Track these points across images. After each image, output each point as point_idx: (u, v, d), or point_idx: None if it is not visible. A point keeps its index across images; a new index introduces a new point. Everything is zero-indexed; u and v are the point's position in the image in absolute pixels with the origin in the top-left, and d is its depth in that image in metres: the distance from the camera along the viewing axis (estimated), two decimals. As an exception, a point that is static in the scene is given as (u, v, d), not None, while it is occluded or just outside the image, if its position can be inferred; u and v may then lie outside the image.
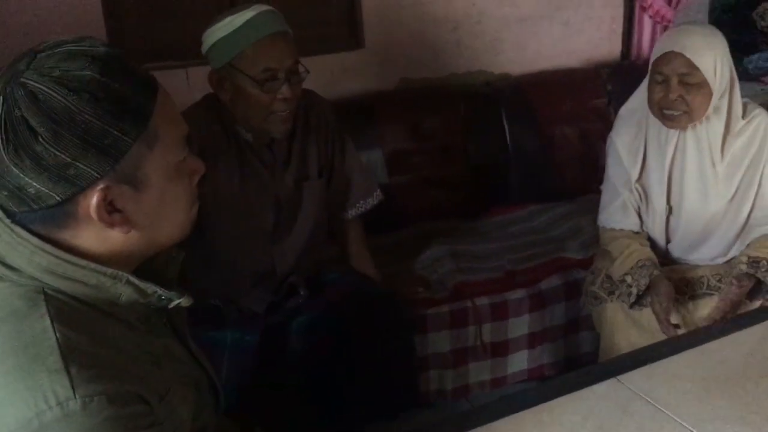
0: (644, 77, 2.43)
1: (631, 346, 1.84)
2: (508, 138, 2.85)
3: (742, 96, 1.89)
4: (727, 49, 1.80)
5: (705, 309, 1.88)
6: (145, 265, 0.94)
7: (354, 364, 1.85)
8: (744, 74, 3.73)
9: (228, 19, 1.70)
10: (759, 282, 1.83)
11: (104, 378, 0.78)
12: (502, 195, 2.85)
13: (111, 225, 0.84)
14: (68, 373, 0.76)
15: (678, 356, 1.49)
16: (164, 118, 0.85)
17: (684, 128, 1.83)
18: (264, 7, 1.73)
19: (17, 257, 0.83)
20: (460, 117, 2.79)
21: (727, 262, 1.95)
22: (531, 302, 2.25)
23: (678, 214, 1.92)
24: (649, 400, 1.34)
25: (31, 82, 0.78)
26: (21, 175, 0.78)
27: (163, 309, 0.95)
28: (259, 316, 1.86)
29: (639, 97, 1.97)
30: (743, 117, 1.86)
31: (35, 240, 0.83)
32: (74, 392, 0.75)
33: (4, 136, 0.77)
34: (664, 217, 1.93)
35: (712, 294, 1.90)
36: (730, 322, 1.65)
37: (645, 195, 1.95)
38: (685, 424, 1.27)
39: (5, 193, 0.81)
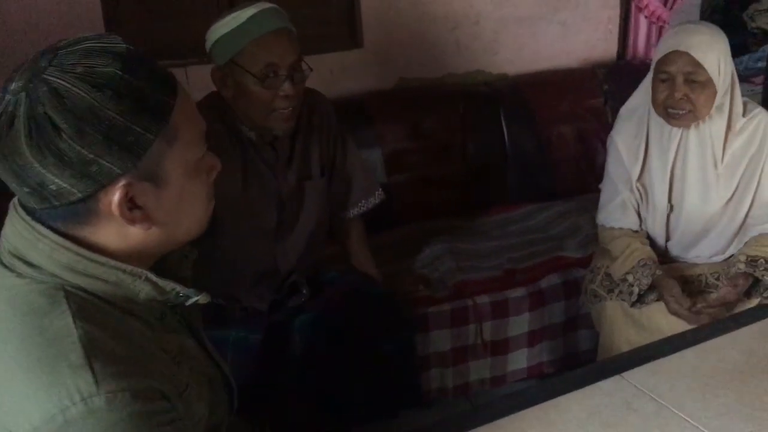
0: (640, 77, 2.45)
1: (630, 344, 1.86)
2: (506, 137, 2.86)
3: None
4: (728, 48, 1.82)
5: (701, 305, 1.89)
6: (160, 264, 0.95)
7: (355, 362, 1.86)
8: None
9: (231, 16, 1.71)
10: (756, 280, 1.84)
11: (127, 374, 0.79)
12: (500, 194, 2.86)
13: (132, 222, 0.84)
14: (91, 368, 0.77)
15: (680, 353, 1.50)
16: (184, 115, 0.86)
17: (688, 126, 1.85)
18: (267, 5, 1.73)
19: (37, 254, 0.83)
20: (459, 117, 2.80)
21: (726, 260, 1.97)
22: (531, 300, 2.26)
23: (678, 211, 1.93)
24: (653, 396, 1.36)
25: (54, 79, 0.78)
26: (43, 171, 0.78)
27: (178, 306, 0.95)
28: (261, 315, 1.87)
29: (639, 96, 1.99)
30: (744, 115, 1.88)
31: (56, 237, 0.83)
32: (98, 388, 0.76)
33: (27, 133, 0.77)
34: (665, 215, 1.95)
35: (711, 291, 1.92)
36: (729, 320, 1.67)
37: (645, 193, 1.96)
38: (690, 420, 1.29)
39: (26, 189, 0.81)
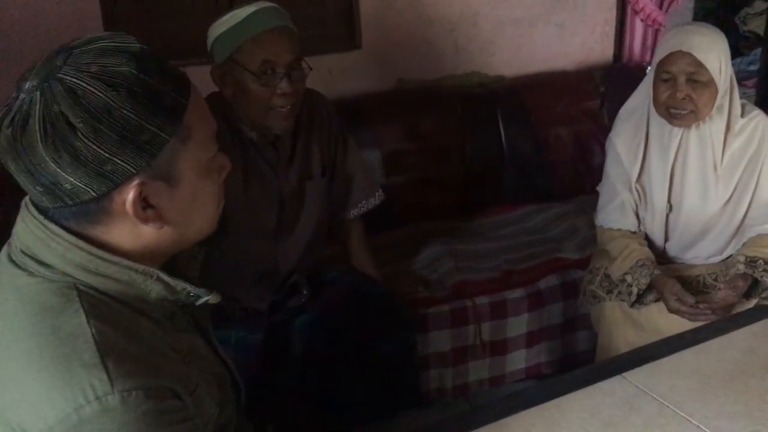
0: (636, 79, 2.46)
1: (629, 344, 1.87)
2: (503, 139, 2.87)
3: None
4: (728, 49, 1.84)
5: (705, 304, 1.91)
6: (169, 264, 0.95)
7: (355, 363, 1.86)
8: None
9: (231, 14, 1.72)
10: (755, 281, 1.86)
11: (140, 373, 0.79)
12: (497, 195, 2.87)
13: (145, 221, 0.85)
14: (105, 367, 0.77)
15: (680, 354, 1.52)
16: (197, 114, 0.86)
17: (689, 126, 1.87)
18: (267, 4, 1.74)
19: (50, 253, 0.83)
20: (457, 118, 2.81)
21: (723, 261, 1.99)
22: (529, 301, 2.27)
23: (677, 212, 1.95)
24: (654, 396, 1.37)
25: (69, 78, 0.78)
26: (58, 170, 0.78)
27: (187, 306, 0.95)
28: (262, 315, 1.87)
29: (638, 97, 2.01)
30: (742, 116, 1.90)
31: (69, 236, 0.83)
32: (112, 387, 0.76)
33: (42, 132, 0.77)
34: (664, 215, 1.96)
35: (708, 292, 1.93)
36: (728, 320, 1.68)
37: (644, 194, 1.98)
38: (691, 420, 1.30)
39: (39, 188, 0.81)
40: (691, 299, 1.85)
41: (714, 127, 1.87)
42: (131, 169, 0.80)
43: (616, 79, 3.10)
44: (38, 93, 0.78)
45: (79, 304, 0.81)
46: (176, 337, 0.92)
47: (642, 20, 3.26)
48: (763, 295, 1.86)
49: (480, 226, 2.72)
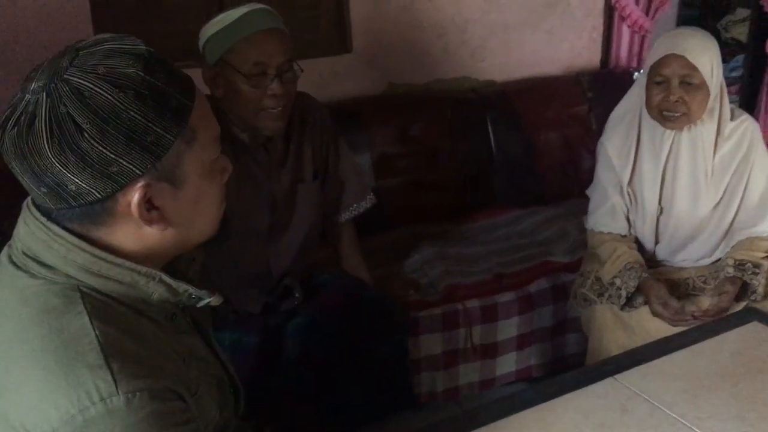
0: (623, 85, 2.49)
1: (620, 347, 1.88)
2: (493, 143, 2.89)
3: None
4: (719, 53, 1.87)
5: (692, 307, 1.93)
6: (169, 266, 0.95)
7: (349, 366, 1.86)
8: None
9: (223, 15, 1.73)
10: (744, 283, 1.88)
11: (144, 374, 0.79)
12: (487, 199, 2.89)
13: (149, 222, 0.85)
14: (110, 369, 0.77)
15: (671, 356, 1.54)
16: (201, 116, 0.86)
17: (681, 129, 1.89)
18: (259, 5, 1.75)
19: (52, 255, 0.83)
20: (447, 122, 2.82)
21: (713, 263, 2.01)
22: (520, 304, 2.28)
23: (668, 214, 1.97)
24: (646, 398, 1.39)
25: (76, 79, 0.78)
26: (63, 171, 0.78)
27: (188, 308, 0.95)
28: (256, 318, 1.87)
29: (628, 101, 2.03)
30: (732, 120, 1.93)
31: (72, 238, 0.83)
32: (117, 388, 0.76)
33: (48, 133, 0.77)
34: (655, 218, 1.98)
35: (698, 295, 1.96)
36: (718, 323, 1.70)
37: (635, 197, 2.00)
38: (683, 421, 1.31)
39: (44, 189, 0.81)
40: (675, 303, 1.86)
41: (705, 130, 1.90)
42: (137, 171, 0.81)
43: (603, 84, 3.13)
44: (44, 94, 0.78)
45: (82, 306, 0.81)
46: (177, 339, 0.92)
47: (629, 27, 3.29)
48: (753, 297, 1.88)
49: (470, 229, 2.73)
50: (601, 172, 2.03)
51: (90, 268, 0.83)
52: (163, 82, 0.81)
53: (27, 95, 0.79)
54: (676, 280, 1.99)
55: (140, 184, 0.82)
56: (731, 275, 1.87)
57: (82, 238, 0.84)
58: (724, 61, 5.16)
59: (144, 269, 0.86)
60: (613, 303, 1.96)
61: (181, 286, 0.90)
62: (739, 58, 4.92)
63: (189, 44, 1.81)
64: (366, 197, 2.10)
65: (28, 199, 0.87)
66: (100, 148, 0.78)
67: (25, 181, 0.82)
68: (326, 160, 1.99)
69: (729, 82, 4.56)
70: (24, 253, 0.85)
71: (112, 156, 0.78)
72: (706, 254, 2.01)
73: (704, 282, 1.97)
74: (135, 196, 0.82)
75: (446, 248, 2.55)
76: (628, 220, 2.02)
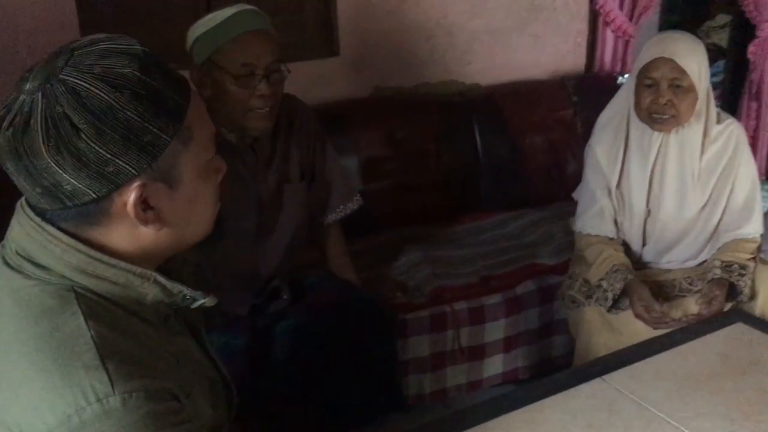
0: (607, 89, 2.51)
1: (608, 349, 1.89)
2: (479, 146, 2.90)
3: None
4: (707, 57, 1.89)
5: (678, 311, 1.95)
6: (162, 268, 0.95)
7: (339, 368, 1.86)
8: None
9: (211, 16, 1.73)
10: (731, 285, 1.90)
11: (140, 374, 0.79)
12: (473, 202, 2.90)
13: (145, 222, 0.85)
14: (106, 369, 0.77)
15: (657, 356, 1.56)
16: (197, 117, 0.87)
17: (669, 131, 1.91)
18: (247, 6, 1.76)
19: (47, 256, 0.83)
20: (434, 125, 2.83)
21: (699, 265, 2.03)
22: (507, 307, 2.29)
23: (655, 216, 1.99)
24: (634, 398, 1.40)
25: (72, 79, 0.78)
26: (60, 171, 0.78)
27: (181, 309, 0.95)
28: (244, 320, 1.86)
29: (616, 105, 2.05)
30: (718, 123, 1.96)
31: (67, 238, 0.83)
32: (113, 388, 0.76)
33: (44, 133, 0.77)
34: (643, 220, 2.00)
35: (684, 296, 1.98)
36: (704, 324, 1.73)
37: (623, 200, 2.02)
38: (670, 421, 1.33)
39: (39, 190, 0.80)
40: (658, 308, 1.88)
41: (692, 132, 1.92)
42: (133, 171, 0.80)
43: (588, 88, 3.16)
44: (40, 94, 0.78)
45: (77, 306, 0.81)
46: (170, 340, 0.92)
47: (613, 31, 3.33)
48: (739, 298, 1.90)
49: (457, 232, 2.74)
50: (590, 175, 2.05)
51: (85, 268, 0.83)
52: (159, 82, 0.81)
53: (22, 95, 0.79)
54: (662, 282, 2.01)
55: (136, 184, 0.82)
56: (719, 276, 1.89)
57: (76, 238, 0.83)
58: (704, 66, 5.23)
59: (139, 270, 0.86)
60: (600, 305, 1.97)
61: (176, 287, 0.90)
62: (720, 64, 4.98)
63: (175, 45, 1.81)
64: (353, 199, 2.11)
65: (22, 200, 0.86)
66: (97, 148, 0.77)
67: (20, 181, 0.81)
68: (313, 161, 2.00)
69: (708, 87, 4.65)
70: (18, 254, 0.84)
71: (109, 156, 0.78)
72: (692, 256, 2.04)
73: (690, 283, 2.00)
74: (131, 196, 0.82)
75: (433, 251, 2.55)
76: (615, 223, 2.04)
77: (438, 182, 2.84)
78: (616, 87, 3.09)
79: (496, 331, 2.29)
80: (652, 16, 3.55)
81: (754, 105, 3.76)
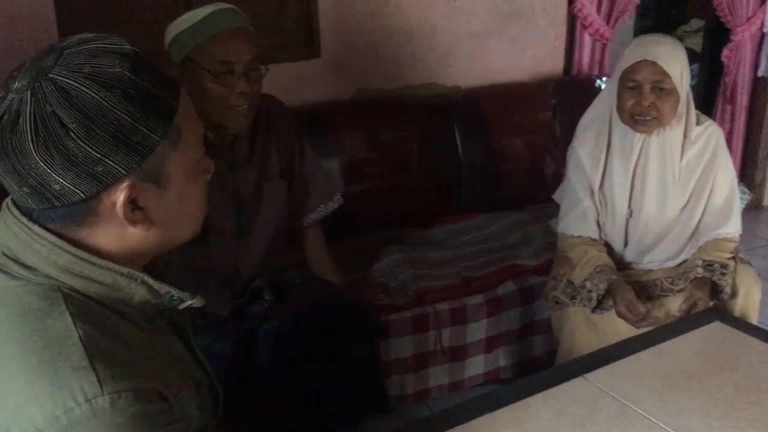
0: (586, 92, 2.54)
1: (591, 348, 1.89)
2: (460, 149, 2.92)
3: None
4: (687, 60, 1.92)
5: (661, 310, 1.97)
6: (147, 268, 0.94)
7: (322, 369, 1.86)
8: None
9: (189, 14, 1.74)
10: (713, 284, 1.92)
11: (129, 375, 0.79)
12: (454, 204, 2.92)
13: (133, 223, 0.84)
14: (94, 370, 0.76)
15: (638, 355, 1.58)
16: (186, 117, 0.86)
17: (650, 133, 1.94)
18: (225, 5, 1.76)
19: (33, 256, 0.82)
20: (415, 128, 2.85)
21: (679, 264, 2.06)
22: (488, 307, 2.30)
23: (637, 217, 2.01)
24: (615, 396, 1.42)
25: (62, 78, 0.77)
26: (48, 171, 0.77)
27: (167, 310, 0.95)
28: (228, 322, 1.85)
29: (597, 107, 2.08)
30: (697, 125, 1.99)
31: (53, 238, 0.82)
32: (102, 389, 0.76)
33: (33, 132, 0.76)
34: (624, 220, 2.03)
35: (667, 296, 2.00)
36: (684, 323, 1.75)
37: (605, 201, 2.04)
38: (651, 418, 1.35)
39: (26, 189, 0.79)
40: (642, 308, 1.91)
41: (673, 134, 1.95)
42: (122, 171, 0.80)
43: (566, 91, 3.19)
44: (29, 93, 0.77)
45: (64, 307, 0.80)
46: (157, 341, 0.91)
47: (590, 35, 3.37)
48: (720, 297, 1.93)
49: (438, 234, 2.76)
50: (573, 177, 2.07)
51: (72, 269, 0.83)
52: (149, 82, 0.81)
53: (10, 94, 0.78)
54: (644, 282, 2.04)
55: (125, 184, 0.81)
56: (701, 275, 1.92)
57: (63, 238, 0.83)
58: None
59: (126, 270, 0.86)
60: (584, 305, 1.99)
61: (164, 288, 0.89)
62: (694, 67, 5.06)
63: (153, 45, 1.79)
64: (333, 198, 2.11)
65: (8, 199, 0.86)
66: (86, 147, 0.77)
67: (7, 180, 0.81)
68: (292, 161, 2.00)
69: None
70: (4, 254, 0.84)
71: (98, 155, 0.78)
72: (672, 256, 2.06)
73: (672, 283, 2.02)
74: (120, 196, 0.81)
75: (414, 253, 2.57)
76: (598, 224, 2.06)
77: (419, 184, 2.85)
78: (595, 89, 3.14)
79: (477, 331, 2.31)
80: (628, 21, 3.60)
81: (728, 108, 3.84)
